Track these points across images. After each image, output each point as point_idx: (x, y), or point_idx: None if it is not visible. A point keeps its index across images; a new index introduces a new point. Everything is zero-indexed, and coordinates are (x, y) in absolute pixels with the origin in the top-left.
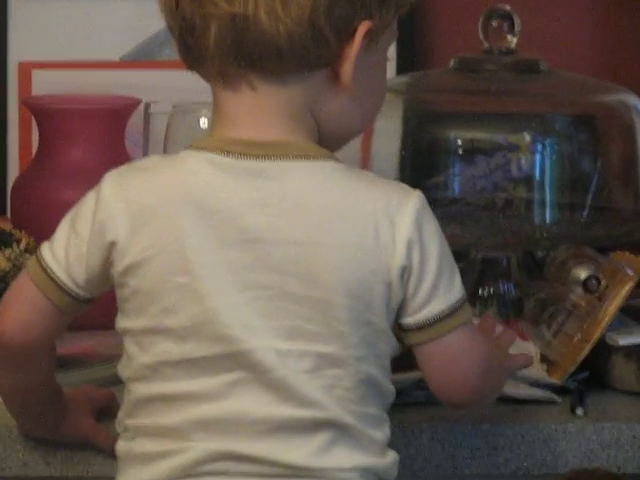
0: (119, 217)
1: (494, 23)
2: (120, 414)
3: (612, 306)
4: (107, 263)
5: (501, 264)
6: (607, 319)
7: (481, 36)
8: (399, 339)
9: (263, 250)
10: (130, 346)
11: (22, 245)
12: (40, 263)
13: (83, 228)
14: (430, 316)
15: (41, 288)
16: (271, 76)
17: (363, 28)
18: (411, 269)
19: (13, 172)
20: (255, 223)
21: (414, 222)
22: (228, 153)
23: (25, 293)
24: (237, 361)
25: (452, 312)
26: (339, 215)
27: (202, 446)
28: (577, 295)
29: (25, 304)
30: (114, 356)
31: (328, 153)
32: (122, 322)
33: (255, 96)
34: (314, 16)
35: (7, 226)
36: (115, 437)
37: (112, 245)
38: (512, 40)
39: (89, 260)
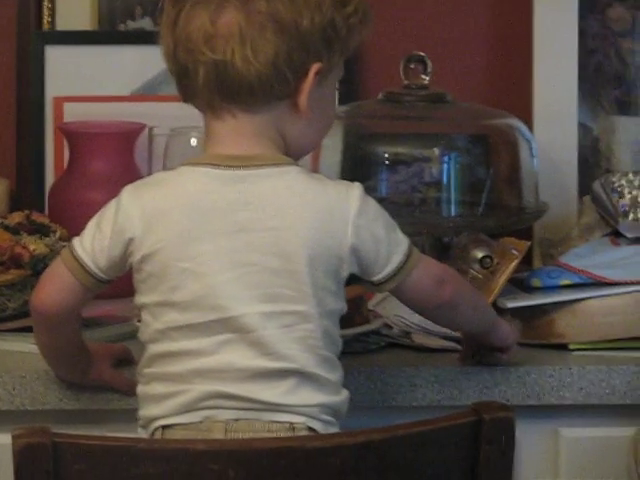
0: (135, 219)
1: (412, 65)
2: (139, 366)
3: (502, 278)
4: (125, 254)
5: (418, 248)
6: (498, 288)
7: (402, 75)
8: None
9: (248, 237)
10: (146, 316)
11: (57, 234)
12: (72, 252)
13: (106, 228)
14: (394, 267)
15: (71, 271)
16: (246, 107)
17: (314, 68)
18: (364, 244)
19: (50, 180)
20: (240, 217)
21: (358, 208)
22: (216, 166)
23: (58, 274)
24: (226, 325)
25: (407, 258)
26: (302, 207)
27: (199, 388)
28: (475, 270)
29: (58, 283)
30: (127, 318)
31: (291, 161)
32: (139, 298)
33: (235, 122)
34: (277, 60)
35: (45, 220)
36: (129, 381)
37: (130, 241)
38: (425, 78)
39: (110, 251)
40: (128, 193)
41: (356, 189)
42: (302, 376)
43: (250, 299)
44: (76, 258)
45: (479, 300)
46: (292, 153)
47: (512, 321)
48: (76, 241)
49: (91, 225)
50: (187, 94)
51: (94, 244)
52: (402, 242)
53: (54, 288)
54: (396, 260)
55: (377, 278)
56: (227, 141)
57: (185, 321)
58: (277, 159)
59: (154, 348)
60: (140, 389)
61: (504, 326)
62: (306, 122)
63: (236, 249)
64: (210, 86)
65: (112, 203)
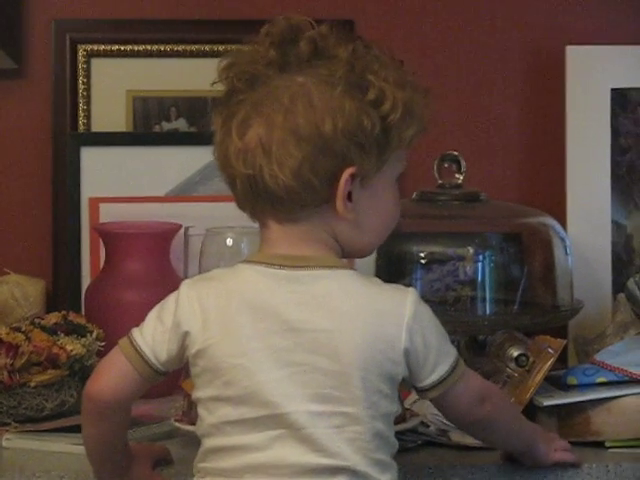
0: (192, 313)
1: (446, 165)
2: (195, 460)
3: (538, 377)
4: (182, 347)
5: (454, 346)
6: (534, 386)
7: (436, 174)
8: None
9: (299, 337)
10: (201, 411)
11: (94, 335)
12: (132, 342)
13: (166, 320)
14: (438, 377)
15: (130, 360)
16: (285, 215)
17: (347, 173)
18: (416, 349)
19: (86, 280)
20: (292, 316)
21: (413, 314)
22: (270, 265)
23: (117, 363)
24: (278, 421)
25: (452, 370)
26: (356, 310)
27: None
28: (511, 369)
29: (116, 371)
30: (164, 417)
31: (345, 264)
32: (195, 393)
33: (282, 228)
34: (302, 171)
35: (82, 321)
36: None
37: (186, 334)
38: (459, 177)
39: (169, 344)
40: (187, 287)
41: (411, 294)
42: (353, 474)
43: (300, 397)
44: (136, 348)
45: (518, 421)
46: (348, 254)
47: (556, 440)
48: (136, 332)
49: (151, 317)
50: (238, 203)
51: (155, 336)
52: (450, 354)
53: (112, 376)
54: (441, 370)
55: (421, 385)
56: (277, 243)
57: (238, 416)
58: (330, 261)
59: (209, 442)
60: None
61: (542, 450)
62: (353, 225)
63: (286, 348)
64: (248, 197)
65: (172, 296)
